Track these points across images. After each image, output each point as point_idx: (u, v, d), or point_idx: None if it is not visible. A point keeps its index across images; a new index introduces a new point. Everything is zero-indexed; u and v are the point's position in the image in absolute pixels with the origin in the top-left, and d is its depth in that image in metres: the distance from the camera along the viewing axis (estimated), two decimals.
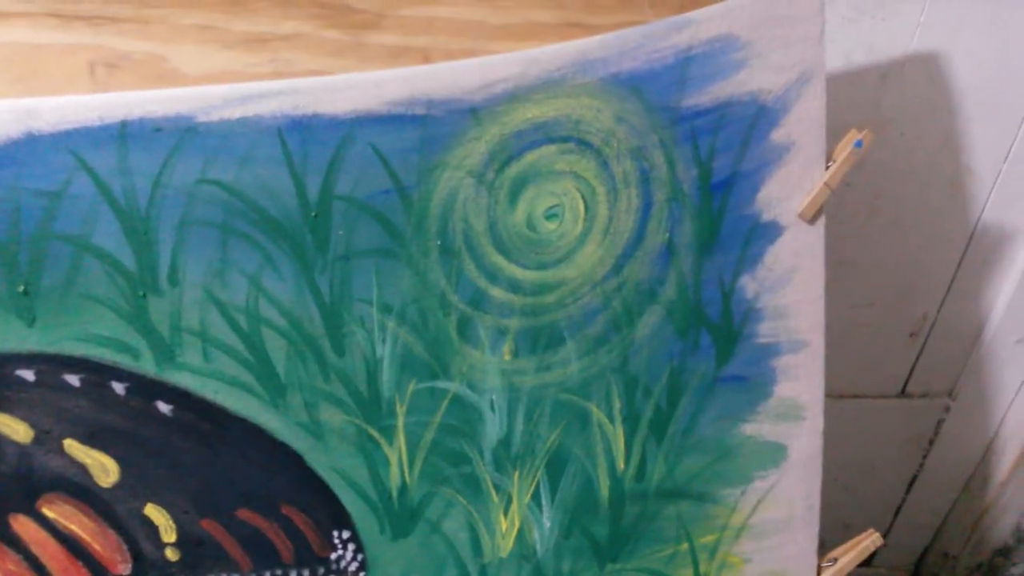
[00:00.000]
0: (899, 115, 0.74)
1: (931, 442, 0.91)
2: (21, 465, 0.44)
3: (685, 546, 0.54)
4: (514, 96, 0.46)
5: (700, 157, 0.49)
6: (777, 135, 0.49)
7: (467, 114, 0.45)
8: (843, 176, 0.51)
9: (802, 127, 0.50)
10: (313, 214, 0.44)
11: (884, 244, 0.79)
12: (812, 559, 0.56)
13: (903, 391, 0.88)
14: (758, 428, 0.53)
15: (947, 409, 0.88)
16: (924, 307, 0.82)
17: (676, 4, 0.47)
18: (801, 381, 0.53)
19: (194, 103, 0.41)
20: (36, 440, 0.43)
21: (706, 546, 0.55)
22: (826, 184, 0.50)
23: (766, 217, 0.50)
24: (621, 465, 0.52)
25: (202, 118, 0.42)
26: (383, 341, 0.46)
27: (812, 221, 0.51)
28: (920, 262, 0.80)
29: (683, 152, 0.48)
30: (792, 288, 0.51)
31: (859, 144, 0.51)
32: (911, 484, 0.94)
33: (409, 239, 0.46)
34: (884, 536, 0.59)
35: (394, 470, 0.48)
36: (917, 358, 0.85)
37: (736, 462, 0.53)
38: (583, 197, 0.48)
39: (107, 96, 0.41)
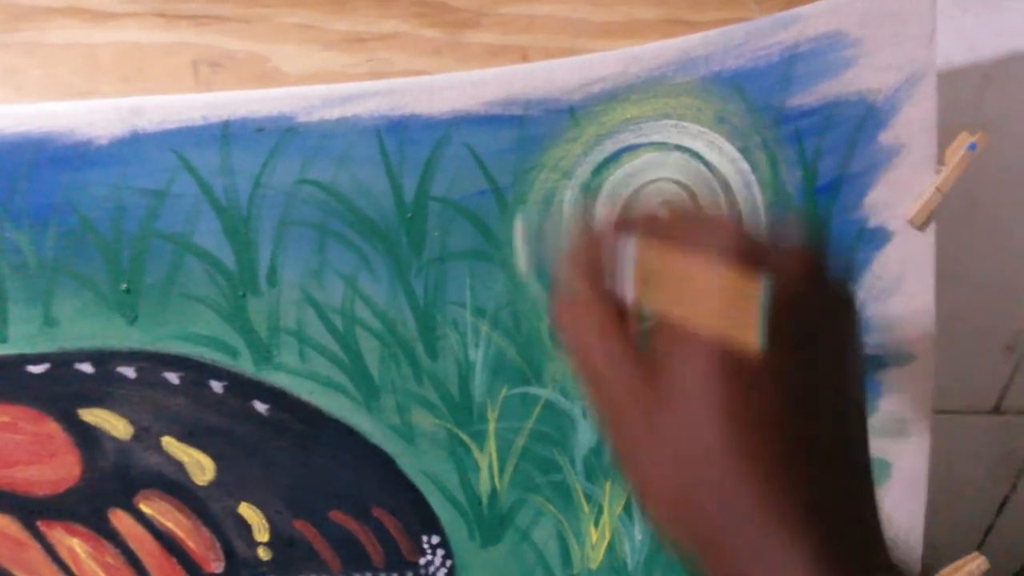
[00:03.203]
0: (1000, 118, 0.71)
1: None
2: (120, 461, 0.44)
3: None
4: (613, 95, 0.44)
5: (805, 159, 0.47)
6: (886, 137, 0.47)
7: (565, 114, 0.44)
8: (955, 181, 0.49)
9: (912, 129, 0.48)
10: (409, 215, 0.44)
11: (979, 253, 0.75)
12: None
13: (997, 407, 0.83)
14: None
15: None
16: (1021, 320, 0.79)
17: (782, 0, 0.45)
18: (907, 395, 0.50)
19: (295, 103, 0.41)
20: (135, 436, 0.44)
21: None
22: (937, 189, 0.48)
23: (873, 222, 0.48)
24: None
25: (302, 118, 0.41)
26: (476, 345, 0.46)
27: (922, 228, 0.49)
28: (1018, 272, 0.76)
29: (787, 154, 0.47)
30: (900, 298, 0.49)
31: (973, 147, 0.48)
32: (1002, 505, 0.90)
33: (504, 241, 0.45)
34: None
35: (484, 476, 0.47)
36: (1013, 373, 0.81)
37: None
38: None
39: (211, 96, 0.41)
